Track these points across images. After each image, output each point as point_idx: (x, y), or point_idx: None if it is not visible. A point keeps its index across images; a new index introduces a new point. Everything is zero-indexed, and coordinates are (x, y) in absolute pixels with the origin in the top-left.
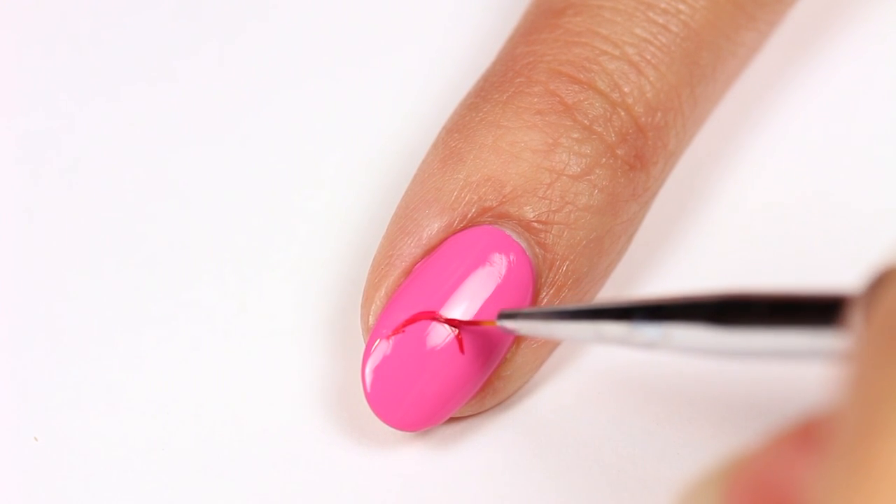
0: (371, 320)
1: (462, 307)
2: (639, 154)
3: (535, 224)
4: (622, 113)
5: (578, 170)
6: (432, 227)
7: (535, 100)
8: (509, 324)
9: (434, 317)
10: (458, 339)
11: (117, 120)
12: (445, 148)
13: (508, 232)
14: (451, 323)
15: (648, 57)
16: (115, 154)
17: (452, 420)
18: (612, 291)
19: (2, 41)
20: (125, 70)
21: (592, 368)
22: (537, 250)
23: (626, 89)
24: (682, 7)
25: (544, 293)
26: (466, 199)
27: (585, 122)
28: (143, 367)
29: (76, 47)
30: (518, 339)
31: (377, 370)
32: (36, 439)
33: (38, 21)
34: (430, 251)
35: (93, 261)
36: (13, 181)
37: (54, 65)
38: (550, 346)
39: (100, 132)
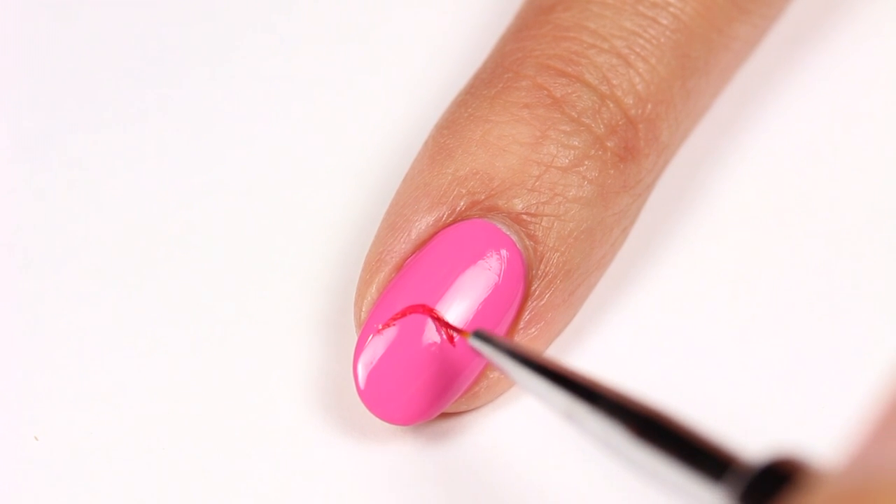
0: (363, 316)
1: (453, 300)
2: (629, 146)
3: (525, 216)
4: (611, 105)
5: (567, 161)
6: (421, 223)
7: (523, 94)
8: (478, 344)
9: (424, 310)
10: (449, 333)
11: (116, 120)
12: (435, 145)
13: (498, 224)
14: (436, 319)
15: (637, 49)
16: (113, 154)
17: (446, 415)
18: (611, 284)
19: (2, 41)
20: (124, 71)
21: (587, 365)
22: (527, 242)
23: (614, 82)
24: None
25: (535, 285)
26: (455, 193)
27: (574, 114)
28: (142, 367)
29: (78, 48)
30: (512, 332)
31: (369, 365)
32: (36, 439)
33: (39, 22)
34: (421, 246)
35: (92, 261)
36: (13, 181)
37: (55, 66)
38: (546, 339)
39: (100, 133)
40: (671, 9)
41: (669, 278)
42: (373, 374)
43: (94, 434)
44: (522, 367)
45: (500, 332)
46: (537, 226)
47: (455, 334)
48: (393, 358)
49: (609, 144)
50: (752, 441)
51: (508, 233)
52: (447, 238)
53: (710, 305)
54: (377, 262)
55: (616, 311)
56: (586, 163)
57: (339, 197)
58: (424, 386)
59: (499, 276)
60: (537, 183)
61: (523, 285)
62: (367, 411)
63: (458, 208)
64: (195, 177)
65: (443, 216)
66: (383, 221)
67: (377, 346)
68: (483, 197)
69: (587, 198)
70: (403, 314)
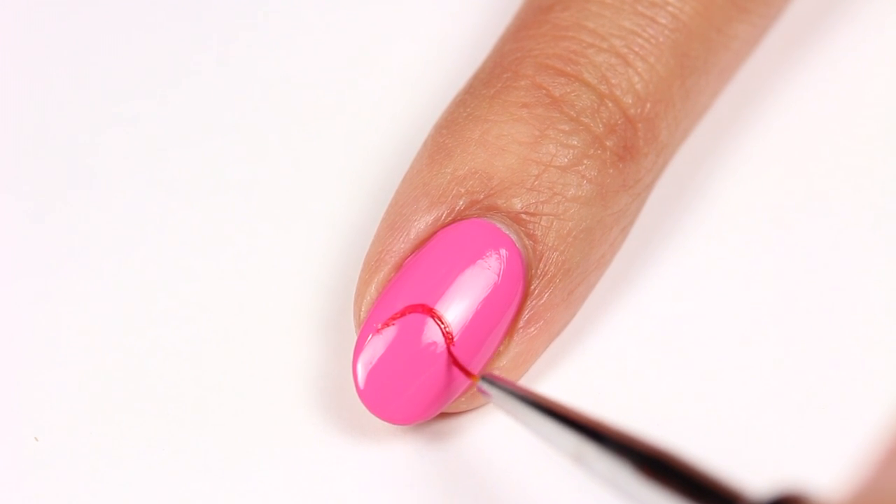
0: (363, 315)
1: (452, 300)
2: (628, 145)
3: (524, 215)
4: (610, 104)
5: (566, 161)
6: (420, 222)
7: (522, 93)
8: (487, 387)
9: (424, 310)
10: (447, 334)
11: (117, 120)
12: (434, 144)
13: (497, 224)
14: (449, 355)
15: (636, 49)
16: (114, 154)
17: (446, 415)
18: (610, 283)
19: (4, 42)
20: (124, 71)
21: (587, 364)
22: (526, 241)
23: (613, 81)
24: None
25: (535, 284)
26: (454, 192)
27: (572, 113)
28: (142, 366)
29: (78, 48)
30: (512, 331)
31: (368, 364)
32: (36, 439)
33: (40, 23)
34: (420, 246)
35: (93, 260)
36: (14, 181)
37: (56, 66)
38: (546, 339)
39: (100, 132)
40: (670, 8)
41: (669, 278)
42: (372, 374)
43: (94, 434)
44: (530, 409)
45: (499, 331)
46: (536, 225)
47: (445, 326)
48: (392, 357)
49: (608, 144)
50: (751, 438)
51: (508, 232)
52: (446, 237)
53: (710, 305)
54: (376, 261)
55: (616, 311)
56: (585, 162)
57: (338, 197)
58: (424, 385)
59: (498, 275)
60: (536, 182)
61: (522, 284)
62: (366, 411)
63: (458, 208)
64: (195, 177)
65: (442, 216)
66: (382, 221)
67: (376, 345)
68: (482, 196)
69: (586, 197)
70: (403, 314)
